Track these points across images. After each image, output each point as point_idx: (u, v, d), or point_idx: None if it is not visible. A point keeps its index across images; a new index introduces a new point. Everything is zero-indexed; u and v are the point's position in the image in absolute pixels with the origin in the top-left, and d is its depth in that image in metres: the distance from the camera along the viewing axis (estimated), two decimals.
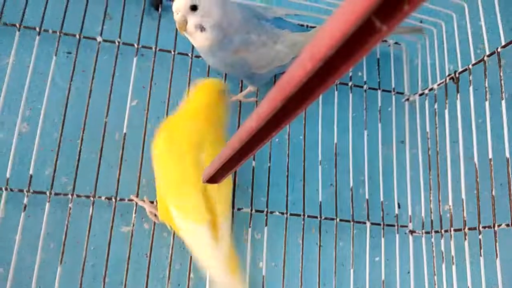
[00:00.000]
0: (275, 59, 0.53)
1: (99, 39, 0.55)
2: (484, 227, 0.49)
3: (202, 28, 0.47)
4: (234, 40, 0.49)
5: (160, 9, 0.59)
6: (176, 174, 0.46)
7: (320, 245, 0.57)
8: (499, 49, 0.51)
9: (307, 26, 0.63)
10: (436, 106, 0.60)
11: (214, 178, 0.38)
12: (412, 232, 0.60)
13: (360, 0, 0.15)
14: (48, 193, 0.49)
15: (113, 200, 0.51)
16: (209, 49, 0.49)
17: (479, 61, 0.54)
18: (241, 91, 0.59)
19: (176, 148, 0.47)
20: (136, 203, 0.52)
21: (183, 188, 0.46)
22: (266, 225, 0.55)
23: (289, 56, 0.54)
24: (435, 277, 0.57)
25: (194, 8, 0.46)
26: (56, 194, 0.50)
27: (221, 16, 0.47)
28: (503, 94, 0.49)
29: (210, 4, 0.47)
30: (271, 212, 0.56)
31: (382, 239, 0.59)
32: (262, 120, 0.24)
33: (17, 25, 0.53)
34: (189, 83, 0.57)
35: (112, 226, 0.50)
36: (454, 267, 0.52)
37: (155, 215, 0.51)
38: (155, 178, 0.49)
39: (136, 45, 0.56)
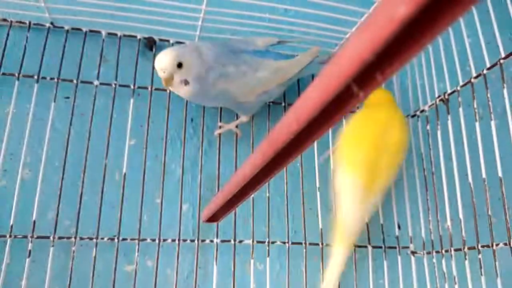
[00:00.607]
0: (257, 86, 0.55)
1: (96, 82, 0.57)
2: (483, 246, 0.50)
3: (186, 82, 0.50)
4: (209, 76, 0.51)
5: (154, 50, 0.60)
6: (360, 138, 0.57)
7: (323, 272, 0.57)
8: (484, 71, 0.52)
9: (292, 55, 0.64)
10: (428, 127, 0.62)
11: (213, 218, 0.39)
12: (413, 253, 0.61)
13: (343, 70, 0.16)
14: (51, 237, 0.50)
15: (116, 240, 0.52)
16: (192, 96, 0.52)
17: (467, 83, 0.55)
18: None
19: (370, 125, 0.58)
20: (138, 242, 0.52)
21: (357, 150, 0.56)
22: (268, 255, 0.56)
23: (272, 82, 0.55)
24: None
25: (180, 65, 0.49)
26: (59, 238, 0.51)
27: (199, 68, 0.50)
28: (492, 115, 0.51)
29: (192, 58, 0.50)
30: (273, 242, 0.57)
31: (385, 262, 0.60)
32: (256, 168, 0.25)
33: (16, 74, 0.55)
34: (185, 118, 0.58)
35: (115, 266, 0.51)
36: (456, 286, 0.53)
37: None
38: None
39: (132, 86, 0.58)
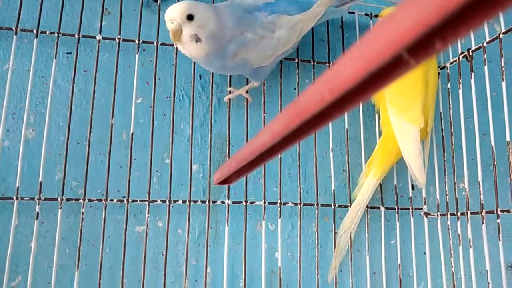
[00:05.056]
0: (278, 46, 0.52)
1: (98, 37, 0.53)
2: (502, 211, 0.48)
3: (197, 39, 0.47)
4: (230, 47, 0.48)
5: (159, 1, 0.56)
6: (406, 80, 0.53)
7: (335, 233, 0.56)
8: None
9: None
10: (449, 85, 0.59)
11: (225, 181, 0.38)
12: (427, 214, 0.60)
13: (396, 37, 0.13)
14: (59, 199, 0.49)
15: (125, 202, 0.51)
16: (204, 58, 0.49)
17: (494, 39, 0.51)
18: (247, 83, 0.57)
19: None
20: (148, 203, 0.51)
21: (409, 93, 0.54)
22: (280, 217, 0.55)
23: (292, 38, 0.52)
24: (452, 259, 0.56)
25: (190, 18, 0.46)
26: (67, 199, 0.50)
27: (215, 27, 0.47)
28: None
29: (206, 14, 0.47)
30: (285, 204, 0.55)
31: (397, 223, 0.59)
32: (276, 137, 0.23)
33: (14, 29, 0.51)
34: (193, 75, 0.56)
35: (126, 227, 0.50)
36: (471, 250, 0.52)
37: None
38: None
39: (137, 41, 0.54)
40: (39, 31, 0.52)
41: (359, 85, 0.16)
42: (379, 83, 0.17)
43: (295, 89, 0.60)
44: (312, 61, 0.60)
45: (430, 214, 0.60)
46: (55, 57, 0.52)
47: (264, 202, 0.55)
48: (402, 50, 0.14)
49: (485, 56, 0.52)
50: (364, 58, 0.15)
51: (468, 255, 0.52)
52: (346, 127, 0.59)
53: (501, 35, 0.50)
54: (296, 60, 0.59)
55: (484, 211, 0.51)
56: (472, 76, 0.54)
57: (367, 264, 0.56)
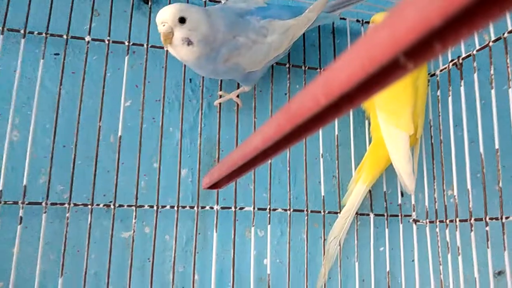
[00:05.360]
0: (269, 51, 0.51)
1: (87, 38, 0.53)
2: (491, 219, 0.49)
3: (189, 42, 0.46)
4: (221, 51, 0.48)
5: (150, 3, 0.56)
6: (396, 86, 0.51)
7: (324, 239, 0.56)
8: (505, 35, 0.49)
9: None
10: (438, 93, 0.59)
11: (215, 186, 0.37)
12: (415, 221, 0.60)
13: (395, 39, 0.13)
14: (44, 203, 0.48)
15: (112, 206, 0.50)
16: (195, 62, 0.48)
17: (484, 47, 0.52)
18: (238, 88, 0.56)
19: None
20: (136, 208, 0.50)
21: (399, 99, 0.54)
22: (269, 223, 0.54)
23: (284, 43, 0.52)
24: (441, 266, 0.56)
25: (182, 20, 0.45)
26: (52, 204, 0.48)
27: (207, 30, 0.47)
28: (510, 82, 0.48)
29: (198, 17, 0.46)
30: (274, 210, 0.55)
31: (386, 230, 0.58)
32: (268, 141, 0.23)
33: (0, 28, 0.50)
34: (184, 79, 0.55)
35: (112, 233, 0.49)
36: (460, 257, 0.52)
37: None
38: None
39: (126, 43, 0.54)
40: (27, 31, 0.51)
41: (355, 89, 0.16)
42: (376, 87, 0.16)
43: (286, 94, 0.60)
44: (303, 67, 0.60)
45: (419, 221, 0.60)
46: (43, 58, 0.51)
47: (254, 208, 0.54)
48: (399, 54, 0.13)
49: (474, 64, 0.53)
50: (359, 63, 0.15)
51: (457, 263, 0.52)
52: (336, 133, 0.59)
53: (490, 43, 0.51)
54: (287, 65, 0.59)
55: (473, 219, 0.51)
56: (462, 83, 0.54)
57: (356, 271, 0.56)
